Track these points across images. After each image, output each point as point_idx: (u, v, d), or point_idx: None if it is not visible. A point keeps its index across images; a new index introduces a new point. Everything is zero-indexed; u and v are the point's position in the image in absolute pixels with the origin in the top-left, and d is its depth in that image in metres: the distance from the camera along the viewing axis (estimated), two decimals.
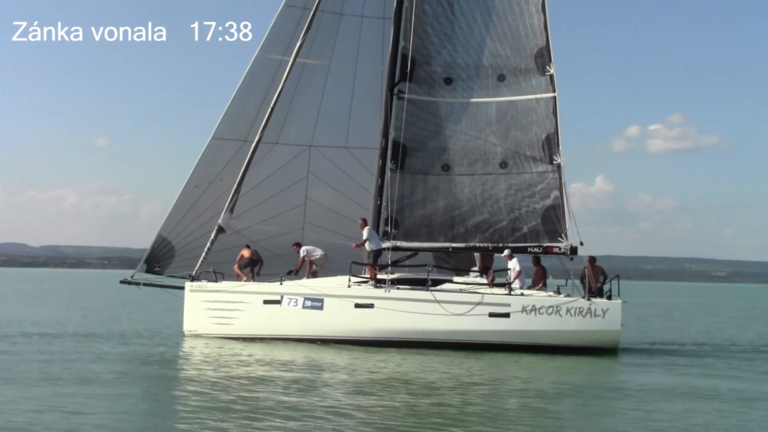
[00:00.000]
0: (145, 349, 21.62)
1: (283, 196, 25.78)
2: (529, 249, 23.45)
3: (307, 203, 25.95)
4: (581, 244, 22.83)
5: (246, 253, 24.15)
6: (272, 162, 25.51)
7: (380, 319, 22.00)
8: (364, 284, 22.66)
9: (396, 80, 24.49)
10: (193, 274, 24.00)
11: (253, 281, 23.72)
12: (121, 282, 25.14)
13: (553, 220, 23.44)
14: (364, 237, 23.10)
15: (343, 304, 22.21)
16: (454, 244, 23.90)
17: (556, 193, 23.53)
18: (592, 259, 22.75)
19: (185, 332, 23.72)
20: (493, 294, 22.01)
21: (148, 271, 25.24)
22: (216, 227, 24.29)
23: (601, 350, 21.79)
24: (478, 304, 21.66)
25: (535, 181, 23.78)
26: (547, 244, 23.31)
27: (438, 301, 21.71)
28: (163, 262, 25.27)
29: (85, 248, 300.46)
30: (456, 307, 21.69)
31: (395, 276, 22.95)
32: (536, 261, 23.66)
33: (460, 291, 22.26)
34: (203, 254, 24.16)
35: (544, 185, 23.70)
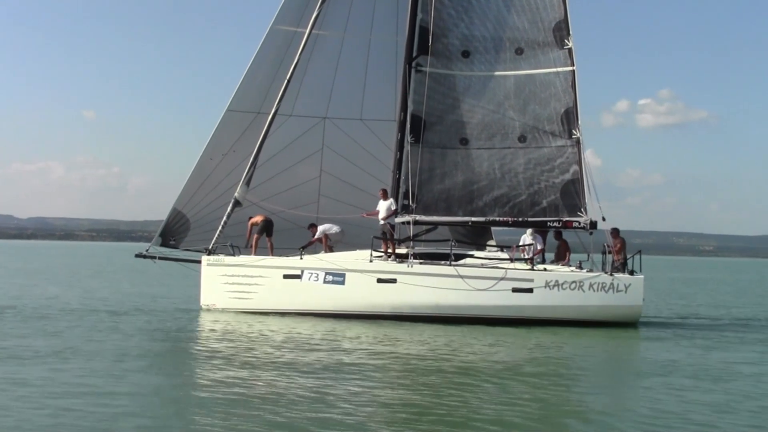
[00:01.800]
0: (162, 322, 21.51)
1: (297, 168, 25.62)
2: (548, 224, 23.39)
3: (322, 175, 25.77)
4: (603, 219, 22.80)
5: (258, 218, 23.95)
6: (287, 134, 25.30)
7: (403, 294, 21.91)
8: (387, 258, 22.52)
9: (414, 53, 24.24)
10: (210, 247, 23.80)
11: (272, 244, 23.59)
12: (137, 256, 24.91)
13: (572, 195, 23.35)
14: (392, 209, 22.96)
15: (366, 279, 22.10)
16: (473, 219, 23.79)
17: (575, 167, 23.44)
18: (615, 231, 22.75)
19: (202, 306, 23.58)
20: (516, 269, 21.94)
21: (164, 244, 25.03)
22: (232, 200, 24.06)
23: (622, 324, 21.84)
24: (502, 279, 21.60)
25: (554, 155, 23.66)
26: (567, 219, 23.23)
27: (461, 276, 21.64)
28: (178, 235, 25.08)
29: (74, 220, 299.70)
30: (479, 282, 21.63)
31: (417, 250, 22.82)
32: (558, 235, 23.62)
33: (482, 266, 22.19)
34: (219, 228, 23.95)
35: (563, 159, 23.59)
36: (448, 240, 23.17)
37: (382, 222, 22.97)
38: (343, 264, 22.37)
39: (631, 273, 22.10)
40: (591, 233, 23.08)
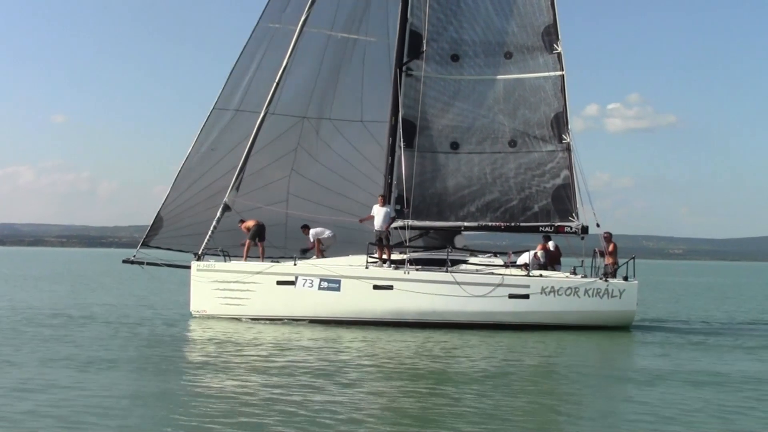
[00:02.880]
0: (154, 329, 21.18)
1: (272, 168, 25.20)
2: (540, 228, 23.48)
3: (292, 175, 25.35)
4: (597, 225, 22.97)
5: (250, 223, 23.71)
6: (267, 133, 24.84)
7: (399, 301, 21.82)
8: (383, 264, 22.40)
9: (405, 57, 24.11)
10: (199, 252, 23.46)
11: (264, 249, 23.40)
12: (124, 261, 24.45)
13: (563, 200, 23.48)
14: (391, 216, 22.88)
15: (362, 285, 21.96)
16: (465, 223, 23.80)
17: (566, 172, 23.57)
18: (608, 236, 22.90)
19: (192, 312, 23.26)
20: (512, 275, 21.98)
21: (143, 245, 24.55)
22: (222, 205, 23.68)
23: (615, 327, 22.08)
24: (498, 285, 21.63)
25: (544, 160, 23.76)
26: (559, 224, 23.35)
27: (458, 283, 21.62)
28: (151, 233, 24.62)
29: (42, 226, 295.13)
30: (476, 289, 21.63)
31: (413, 256, 22.74)
32: (548, 240, 23.72)
33: (476, 272, 22.20)
34: (209, 233, 23.53)
35: (554, 164, 23.70)
36: (445, 246, 23.13)
37: (379, 229, 22.83)
38: (339, 270, 22.20)
39: (625, 278, 22.27)
40: (582, 238, 23.21)
